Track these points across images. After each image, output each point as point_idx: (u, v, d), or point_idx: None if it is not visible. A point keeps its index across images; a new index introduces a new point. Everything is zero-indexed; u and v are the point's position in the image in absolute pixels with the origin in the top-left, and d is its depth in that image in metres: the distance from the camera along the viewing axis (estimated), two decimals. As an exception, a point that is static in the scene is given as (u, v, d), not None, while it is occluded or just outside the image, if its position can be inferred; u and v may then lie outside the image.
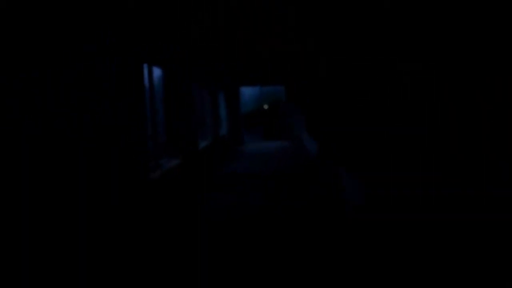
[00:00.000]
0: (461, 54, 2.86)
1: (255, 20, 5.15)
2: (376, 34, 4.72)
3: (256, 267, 3.84)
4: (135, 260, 4.20)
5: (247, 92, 19.19)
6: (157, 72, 7.48)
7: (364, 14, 4.61)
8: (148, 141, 5.83)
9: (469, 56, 2.78)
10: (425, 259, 3.56)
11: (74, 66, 3.12)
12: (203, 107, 11.66)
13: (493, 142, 2.64)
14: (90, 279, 3.20)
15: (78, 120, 3.15)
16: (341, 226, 4.88)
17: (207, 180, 8.55)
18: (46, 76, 2.74)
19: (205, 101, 11.91)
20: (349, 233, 4.56)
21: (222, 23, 5.38)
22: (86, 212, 3.25)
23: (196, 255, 4.31)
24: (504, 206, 2.68)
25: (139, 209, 4.57)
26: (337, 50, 6.75)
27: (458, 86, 2.87)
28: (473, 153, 2.87)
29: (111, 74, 3.84)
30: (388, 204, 4.16)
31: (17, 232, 2.32)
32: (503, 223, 2.76)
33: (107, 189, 3.68)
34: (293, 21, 4.76)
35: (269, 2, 3.96)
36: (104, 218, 3.59)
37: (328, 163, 7.90)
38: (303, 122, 14.16)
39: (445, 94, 3.01)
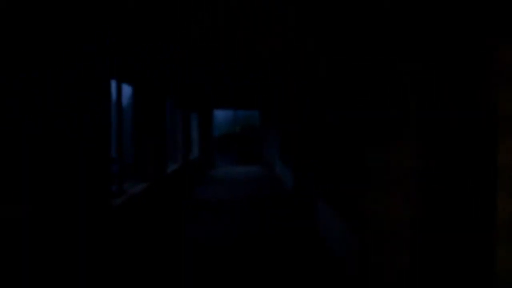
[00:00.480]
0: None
1: (244, 27, 4.89)
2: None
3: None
4: (89, 302, 3.65)
5: (221, 115, 18.89)
6: (126, 90, 7.04)
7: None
8: (112, 163, 5.34)
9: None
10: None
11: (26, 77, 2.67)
12: (175, 128, 11.21)
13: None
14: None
15: (29, 137, 2.68)
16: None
17: (176, 207, 8.03)
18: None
19: (177, 122, 11.47)
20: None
21: (206, 32, 5.09)
22: (28, 250, 2.74)
23: (160, 296, 3.80)
24: None
25: (98, 241, 4.04)
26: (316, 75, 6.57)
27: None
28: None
29: (71, 88, 3.39)
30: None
31: None
32: None
33: (59, 219, 3.17)
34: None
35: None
36: (57, 252, 3.07)
37: (306, 196, 7.50)
38: (277, 149, 13.90)
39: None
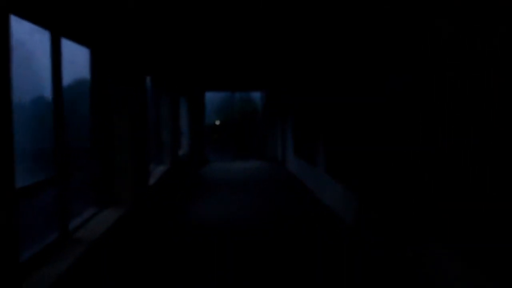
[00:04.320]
0: None
1: None
2: None
3: None
4: None
5: (212, 98, 16.22)
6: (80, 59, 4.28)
7: None
8: (46, 190, 2.86)
9: None
10: None
11: None
12: (159, 118, 8.58)
13: None
14: None
15: None
16: None
17: (161, 249, 5.54)
18: None
19: (163, 109, 8.83)
20: None
21: None
22: None
23: None
24: None
25: None
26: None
27: None
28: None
29: None
30: None
31: None
32: None
33: None
34: None
35: None
36: None
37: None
38: (291, 139, 11.45)
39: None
